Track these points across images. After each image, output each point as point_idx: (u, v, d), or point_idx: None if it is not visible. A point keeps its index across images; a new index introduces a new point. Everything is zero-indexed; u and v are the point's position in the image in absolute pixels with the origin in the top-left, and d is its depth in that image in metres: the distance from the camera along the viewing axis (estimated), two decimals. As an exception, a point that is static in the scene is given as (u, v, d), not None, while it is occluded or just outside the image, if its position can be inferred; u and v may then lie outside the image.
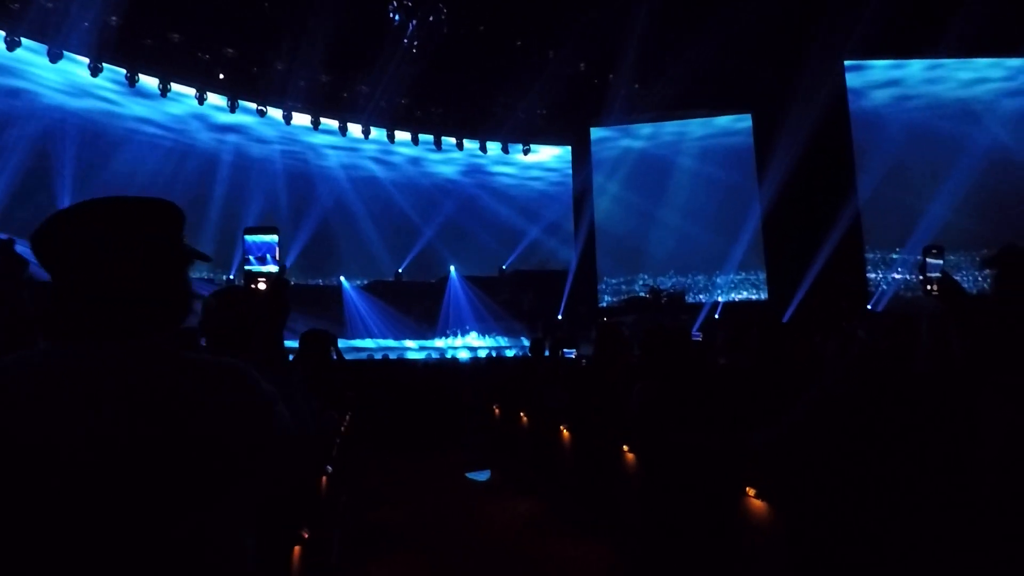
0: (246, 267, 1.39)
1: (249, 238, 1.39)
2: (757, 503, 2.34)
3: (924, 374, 2.29)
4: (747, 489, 2.38)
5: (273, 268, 1.39)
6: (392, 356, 11.51)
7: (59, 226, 1.02)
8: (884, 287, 14.13)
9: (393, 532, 4.44)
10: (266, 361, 1.35)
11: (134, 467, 0.90)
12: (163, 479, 0.91)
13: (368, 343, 13.60)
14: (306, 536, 1.90)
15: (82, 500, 0.88)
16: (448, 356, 11.76)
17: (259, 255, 1.37)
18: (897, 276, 14.32)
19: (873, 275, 14.42)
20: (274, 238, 1.39)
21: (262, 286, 1.37)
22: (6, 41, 11.35)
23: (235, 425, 0.97)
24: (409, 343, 14.01)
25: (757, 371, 3.20)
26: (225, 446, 0.96)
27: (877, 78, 15.16)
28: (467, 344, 14.22)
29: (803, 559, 2.22)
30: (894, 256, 14.56)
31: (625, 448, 3.42)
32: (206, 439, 0.94)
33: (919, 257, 2.07)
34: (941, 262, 2.05)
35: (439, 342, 14.50)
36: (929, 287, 2.03)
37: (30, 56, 12.34)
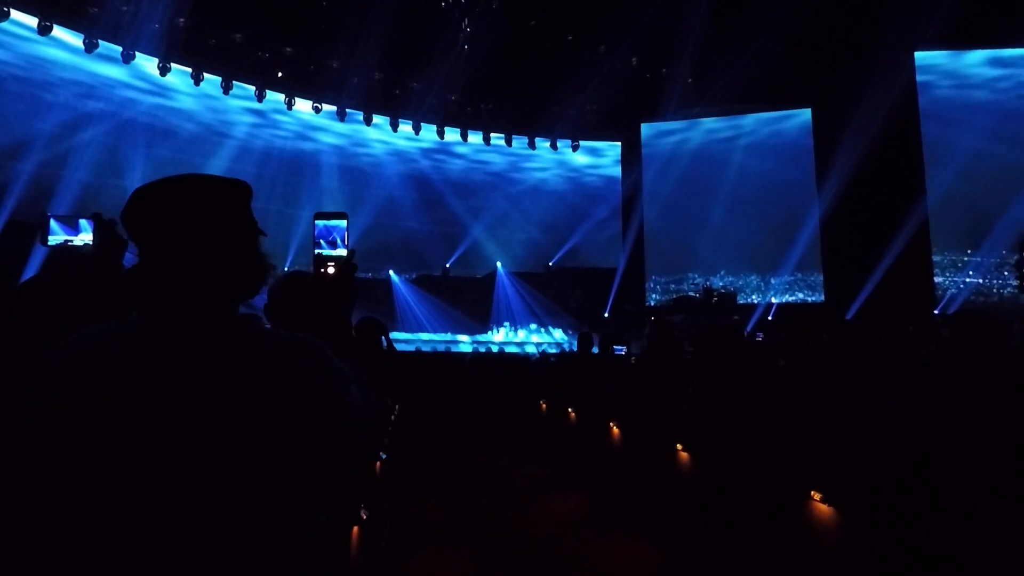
0: (316, 251, 1.41)
1: (319, 222, 1.41)
2: (822, 507, 2.24)
3: (1014, 380, 2.14)
4: (812, 493, 2.28)
5: (342, 252, 1.40)
6: (443, 350, 11.54)
7: (143, 201, 1.05)
8: (953, 291, 13.34)
9: (441, 523, 4.49)
10: (335, 344, 1.37)
11: (213, 435, 0.92)
12: (239, 448, 0.93)
13: (422, 336, 13.63)
14: (365, 517, 1.93)
15: (160, 466, 0.91)
16: (507, 351, 11.72)
17: (329, 239, 1.39)
18: (968, 280, 13.49)
19: (940, 279, 13.65)
20: (343, 223, 1.41)
21: (331, 270, 1.39)
22: (85, 43, 12.01)
23: (310, 399, 0.98)
24: (463, 337, 13.93)
25: (822, 373, 3.07)
26: (300, 419, 0.97)
27: (951, 67, 14.27)
28: (525, 340, 14.06)
29: (869, 567, 2.11)
30: (964, 259, 13.73)
31: (679, 447, 3.34)
32: (282, 410, 0.95)
33: (1002, 254, 1.91)
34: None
35: (498, 336, 14.28)
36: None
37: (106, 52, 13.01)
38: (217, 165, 15.13)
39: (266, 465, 0.95)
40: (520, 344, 13.33)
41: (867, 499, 2.10)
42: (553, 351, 10.02)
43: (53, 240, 1.62)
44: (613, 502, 4.48)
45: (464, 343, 13.55)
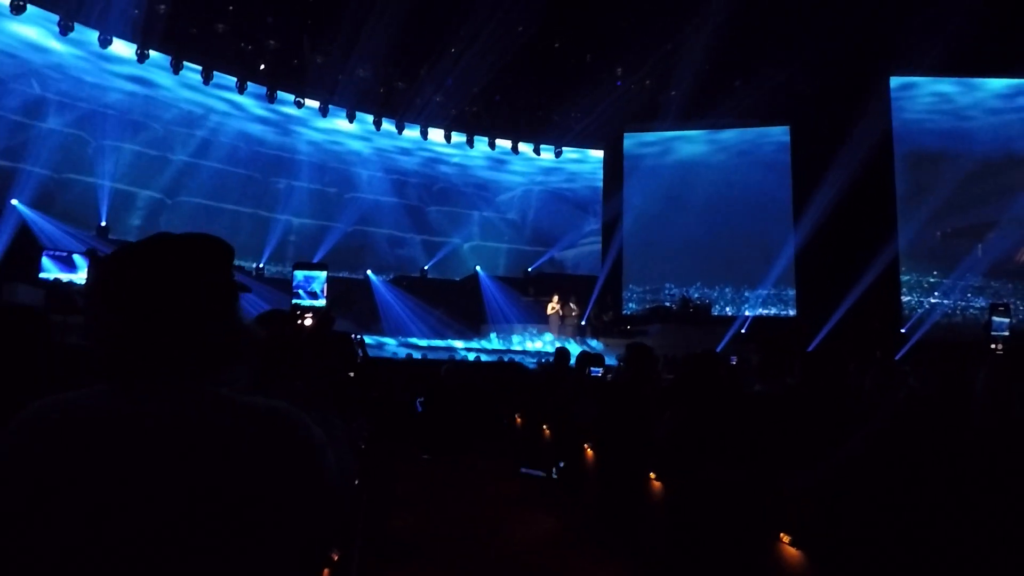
0: (294, 300, 1.39)
1: (299, 272, 1.39)
2: (791, 551, 2.27)
3: (981, 428, 2.19)
4: (781, 535, 2.31)
5: (320, 303, 1.38)
6: (442, 357, 10.59)
7: (117, 267, 1.02)
8: (919, 311, 13.70)
9: (411, 540, 4.45)
10: (310, 397, 1.34)
11: (182, 508, 0.90)
12: (209, 520, 0.91)
13: (419, 342, 12.74)
14: (336, 559, 1.90)
15: (124, 536, 0.89)
16: (507, 360, 11.23)
17: (308, 289, 1.37)
18: (933, 301, 13.86)
19: (908, 298, 14.02)
20: (323, 274, 1.40)
21: (308, 321, 1.37)
22: (60, 25, 11.65)
23: (286, 473, 0.97)
24: (458, 343, 13.05)
25: (795, 400, 3.13)
26: (275, 492, 0.95)
27: (930, 92, 14.61)
28: (543, 350, 13.05)
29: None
30: (931, 279, 14.11)
31: (652, 475, 3.36)
32: (255, 485, 0.94)
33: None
34: (1008, 320, 1.96)
35: (526, 345, 13.26)
36: (994, 346, 1.95)
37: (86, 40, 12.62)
38: (188, 161, 14.72)
39: (236, 538, 0.93)
40: (541, 355, 12.14)
41: (836, 546, 2.14)
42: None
43: (44, 276, 1.59)
44: (585, 523, 4.50)
45: (461, 350, 12.58)
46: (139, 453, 0.92)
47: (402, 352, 11.17)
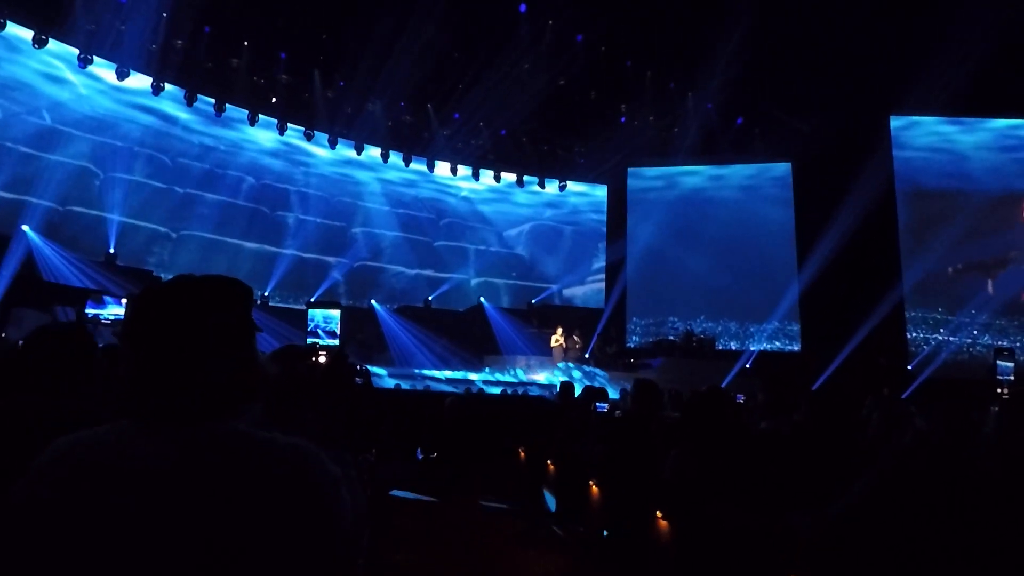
0: (309, 339, 1.42)
1: (317, 312, 1.42)
2: (802, 595, 2.23)
3: (989, 470, 2.18)
4: (791, 578, 2.27)
5: (334, 342, 1.41)
6: (459, 389, 10.25)
7: (140, 307, 1.05)
8: (926, 348, 13.59)
9: (412, 576, 4.37)
10: (323, 434, 1.35)
11: (202, 545, 0.91)
12: (228, 557, 0.92)
13: (436, 374, 12.43)
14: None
15: (143, 573, 0.89)
16: (510, 392, 10.92)
17: (328, 329, 1.40)
18: (939, 337, 13.77)
19: (914, 334, 13.94)
20: (336, 314, 1.42)
21: (323, 359, 1.39)
22: (80, 59, 11.99)
23: (303, 510, 0.98)
24: (472, 376, 12.77)
25: (802, 438, 3.10)
26: (291, 528, 0.96)
27: (936, 129, 14.75)
28: (536, 380, 12.86)
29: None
30: (936, 315, 14.05)
31: (659, 514, 3.32)
32: (273, 521, 0.95)
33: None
34: (1012, 365, 1.96)
35: (539, 376, 13.01)
36: (1000, 390, 1.95)
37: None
38: (192, 195, 14.73)
39: (254, 573, 0.94)
40: (544, 386, 11.88)
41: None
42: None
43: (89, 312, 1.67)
44: (590, 562, 4.41)
45: (477, 383, 12.09)
46: (160, 490, 0.93)
47: (405, 383, 11.10)
